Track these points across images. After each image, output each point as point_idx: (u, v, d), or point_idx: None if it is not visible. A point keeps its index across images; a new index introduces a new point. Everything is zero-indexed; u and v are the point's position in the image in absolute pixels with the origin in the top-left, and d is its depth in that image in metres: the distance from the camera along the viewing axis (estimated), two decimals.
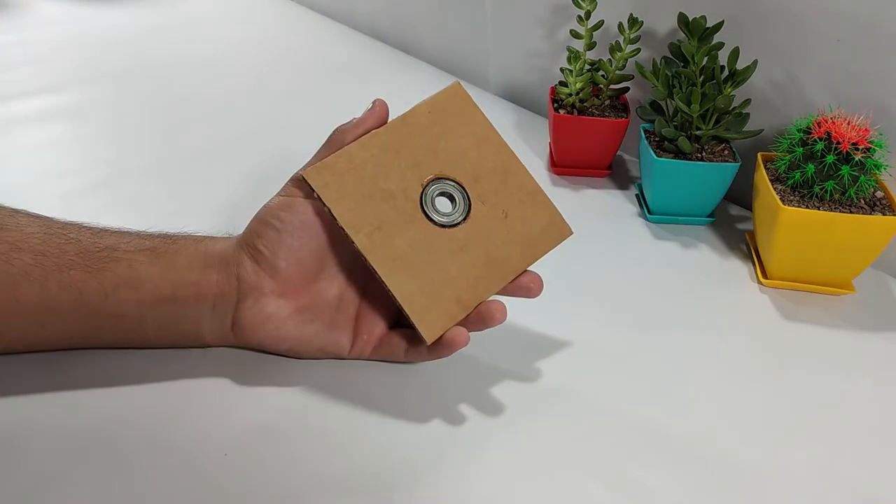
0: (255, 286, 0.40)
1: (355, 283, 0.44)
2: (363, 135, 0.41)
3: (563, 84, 0.66)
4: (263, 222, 0.41)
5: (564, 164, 0.69)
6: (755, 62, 0.57)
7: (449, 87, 0.45)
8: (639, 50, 0.64)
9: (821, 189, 0.51)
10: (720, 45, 0.58)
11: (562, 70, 0.67)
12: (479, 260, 0.42)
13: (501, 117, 0.81)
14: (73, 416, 0.40)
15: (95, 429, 0.40)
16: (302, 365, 0.44)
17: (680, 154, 0.60)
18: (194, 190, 0.63)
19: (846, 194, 0.51)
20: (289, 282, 0.41)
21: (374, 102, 0.43)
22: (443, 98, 0.44)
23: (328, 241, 0.41)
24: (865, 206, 0.52)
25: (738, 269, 0.57)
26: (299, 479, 0.38)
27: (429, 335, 0.39)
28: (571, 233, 0.45)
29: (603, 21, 0.65)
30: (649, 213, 0.63)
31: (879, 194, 0.53)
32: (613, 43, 0.64)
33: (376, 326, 0.44)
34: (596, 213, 0.63)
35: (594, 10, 0.64)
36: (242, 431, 0.40)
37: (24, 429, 0.39)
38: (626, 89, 0.68)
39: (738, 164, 0.58)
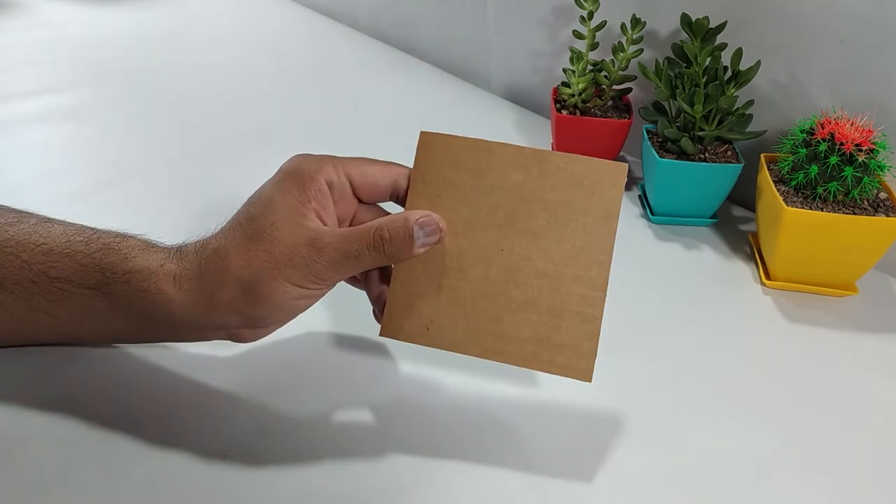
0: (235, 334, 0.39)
1: None
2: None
3: (566, 84, 0.66)
4: (269, 313, 0.37)
5: None
6: (758, 63, 0.57)
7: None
8: (641, 50, 0.64)
9: (824, 190, 0.51)
10: (723, 46, 0.58)
11: (564, 71, 0.66)
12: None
13: (503, 118, 0.80)
14: (73, 416, 0.40)
15: (96, 429, 0.40)
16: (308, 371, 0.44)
17: (683, 155, 0.59)
18: (195, 190, 0.63)
19: (850, 195, 0.51)
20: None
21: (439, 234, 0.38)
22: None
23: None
24: (869, 208, 0.52)
25: (741, 270, 0.57)
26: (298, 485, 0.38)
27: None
28: (587, 379, 0.37)
29: (605, 21, 0.65)
30: (652, 214, 0.62)
31: (883, 195, 0.53)
32: (616, 43, 0.64)
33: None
34: None
35: (597, 10, 0.64)
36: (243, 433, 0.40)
37: (24, 429, 0.39)
38: (629, 90, 0.68)
39: (741, 165, 0.58)
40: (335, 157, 0.38)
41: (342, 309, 0.48)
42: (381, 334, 0.38)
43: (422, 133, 0.39)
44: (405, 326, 0.38)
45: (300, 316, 0.39)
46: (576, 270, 0.37)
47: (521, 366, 0.37)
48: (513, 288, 0.37)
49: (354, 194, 0.38)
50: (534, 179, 0.38)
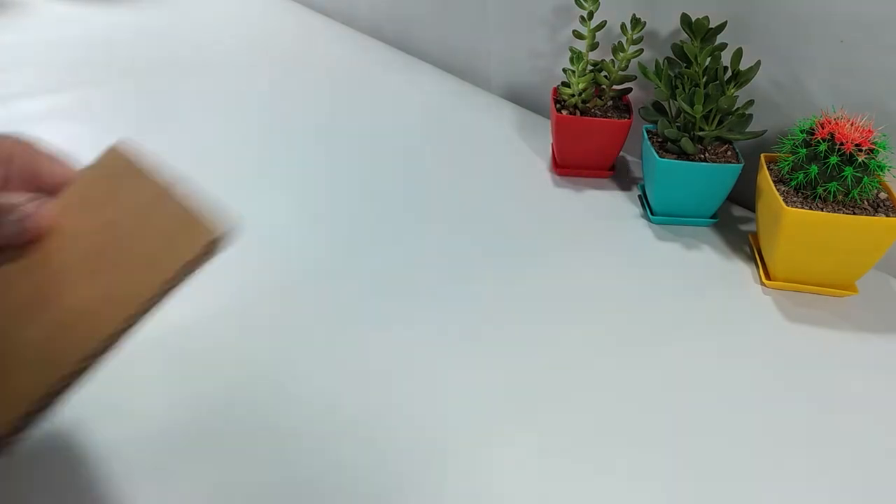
0: None
1: None
2: None
3: (566, 84, 0.66)
4: None
5: (567, 165, 0.68)
6: (758, 63, 0.57)
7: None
8: (641, 51, 0.64)
9: (824, 190, 0.51)
10: (723, 46, 0.58)
11: (564, 70, 0.66)
12: None
13: (503, 118, 0.80)
14: (73, 415, 0.40)
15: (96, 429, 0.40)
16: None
17: (683, 155, 0.59)
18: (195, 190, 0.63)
19: (849, 195, 0.51)
20: None
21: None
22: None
23: None
24: (869, 208, 0.52)
25: (741, 270, 0.57)
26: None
27: None
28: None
29: (605, 21, 0.65)
30: (652, 214, 0.63)
31: (883, 195, 0.53)
32: (616, 43, 0.64)
33: None
34: (598, 214, 0.63)
35: (597, 10, 0.64)
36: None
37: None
38: (629, 90, 0.68)
39: (741, 165, 0.58)
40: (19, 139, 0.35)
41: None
42: None
43: (113, 146, 0.36)
44: None
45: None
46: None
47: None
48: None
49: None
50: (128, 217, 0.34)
